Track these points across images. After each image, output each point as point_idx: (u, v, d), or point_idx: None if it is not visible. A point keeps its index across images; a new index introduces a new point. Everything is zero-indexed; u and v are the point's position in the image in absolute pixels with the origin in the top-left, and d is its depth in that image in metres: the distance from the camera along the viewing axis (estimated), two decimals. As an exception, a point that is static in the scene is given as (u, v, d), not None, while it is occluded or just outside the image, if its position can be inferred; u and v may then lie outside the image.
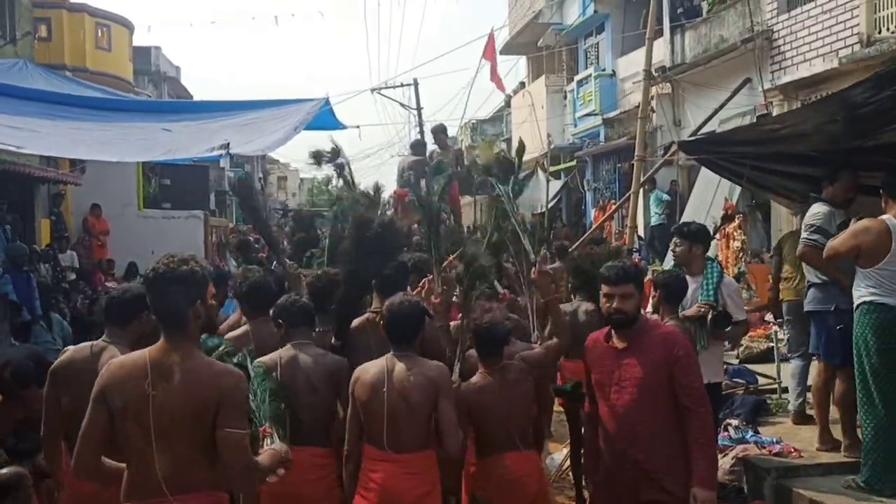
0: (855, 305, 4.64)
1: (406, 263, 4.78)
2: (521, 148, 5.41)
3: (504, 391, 3.90)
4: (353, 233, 4.80)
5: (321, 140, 6.31)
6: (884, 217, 4.58)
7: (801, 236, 5.36)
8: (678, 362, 3.48)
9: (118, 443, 2.74)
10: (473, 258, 4.41)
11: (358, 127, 16.78)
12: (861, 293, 4.58)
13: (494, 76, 17.91)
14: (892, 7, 9.97)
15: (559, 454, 6.41)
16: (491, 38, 17.54)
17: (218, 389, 2.72)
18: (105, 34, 18.42)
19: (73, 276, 13.81)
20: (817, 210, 5.32)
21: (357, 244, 4.69)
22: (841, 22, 10.77)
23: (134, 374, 2.74)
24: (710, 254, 5.36)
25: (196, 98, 26.04)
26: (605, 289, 3.63)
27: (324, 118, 11.76)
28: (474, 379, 3.99)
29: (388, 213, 5.98)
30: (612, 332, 3.66)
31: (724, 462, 5.26)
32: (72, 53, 17.64)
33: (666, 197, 14.81)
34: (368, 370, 3.69)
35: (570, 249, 8.59)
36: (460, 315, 4.50)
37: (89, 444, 2.75)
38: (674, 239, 5.25)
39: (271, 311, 4.15)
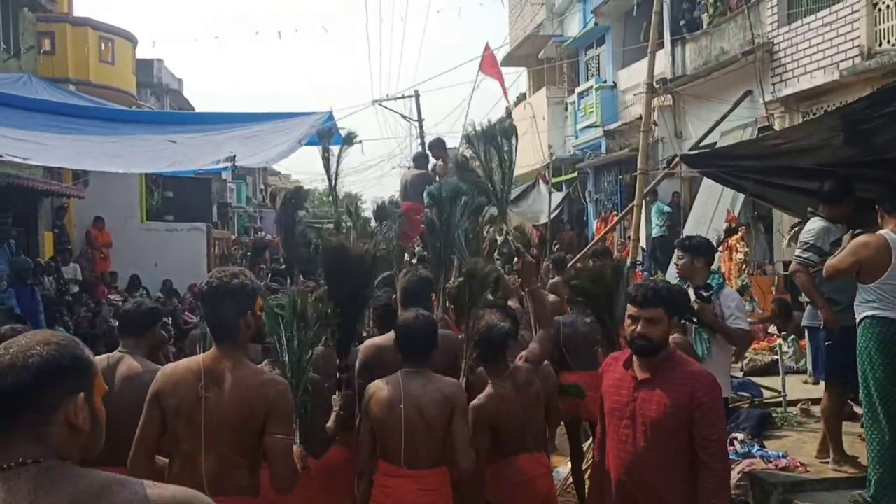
0: (858, 321, 4.63)
1: (429, 279, 4.68)
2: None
3: (519, 396, 3.99)
4: (325, 265, 4.63)
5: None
6: (882, 232, 4.57)
7: (795, 253, 5.39)
8: (701, 408, 3.11)
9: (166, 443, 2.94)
10: (472, 274, 4.39)
11: (360, 142, 16.80)
12: (863, 308, 4.57)
13: (503, 90, 17.80)
14: (892, 20, 10.02)
15: (563, 468, 6.41)
16: (488, 52, 17.54)
17: (266, 398, 2.88)
18: (108, 48, 18.51)
19: (76, 289, 13.86)
20: (811, 226, 5.32)
21: (328, 276, 4.53)
22: (842, 34, 10.82)
23: (188, 378, 2.93)
24: (713, 266, 5.36)
25: (198, 110, 26.14)
26: (630, 310, 3.30)
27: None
28: (488, 391, 4.02)
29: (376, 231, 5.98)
30: (633, 358, 3.32)
31: (731, 476, 5.26)
32: (75, 67, 17.73)
33: (667, 209, 14.83)
34: (383, 387, 3.68)
35: (570, 262, 8.60)
36: (461, 330, 4.48)
37: (144, 445, 2.94)
38: (676, 252, 5.26)
39: None
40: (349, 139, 6.34)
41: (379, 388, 3.70)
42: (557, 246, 15.99)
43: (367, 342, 4.41)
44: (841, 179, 5.45)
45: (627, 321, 3.30)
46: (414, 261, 6.71)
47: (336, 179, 6.23)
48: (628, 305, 3.33)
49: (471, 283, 4.37)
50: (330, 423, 3.78)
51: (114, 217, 16.41)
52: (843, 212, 5.31)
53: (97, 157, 9.69)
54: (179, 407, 2.89)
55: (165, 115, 17.30)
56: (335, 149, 6.37)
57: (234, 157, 9.46)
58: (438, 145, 10.37)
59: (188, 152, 10.29)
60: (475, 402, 3.98)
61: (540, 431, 4.14)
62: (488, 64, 16.88)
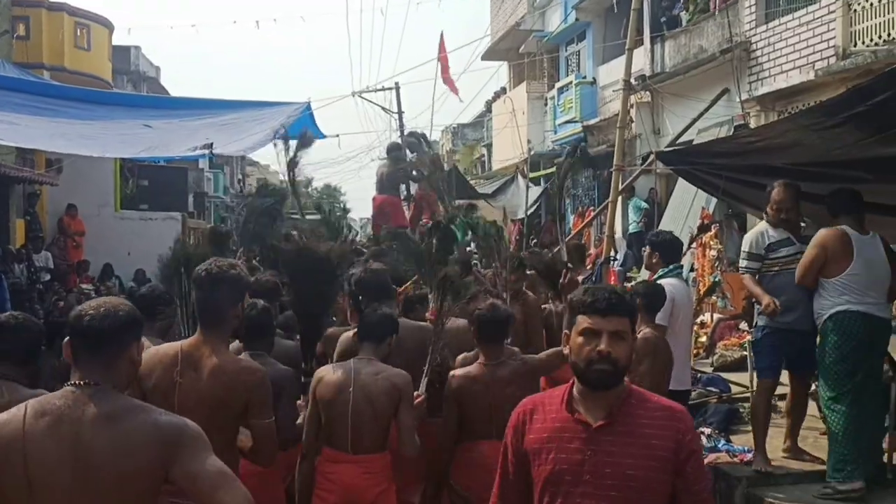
0: (826, 316, 4.77)
1: (385, 272, 4.74)
2: None
3: (494, 386, 3.93)
4: (289, 268, 4.65)
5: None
6: (838, 226, 4.82)
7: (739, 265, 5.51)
8: (691, 458, 2.32)
9: None
10: (448, 278, 4.43)
11: (337, 136, 16.79)
12: (830, 305, 4.75)
13: (446, 77, 18.07)
14: (867, 21, 10.13)
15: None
16: (441, 40, 17.71)
17: (245, 385, 3.05)
18: (84, 34, 18.26)
19: (47, 277, 13.70)
20: (748, 235, 5.40)
21: (293, 279, 4.54)
22: (818, 35, 10.93)
23: (165, 363, 3.06)
24: (685, 263, 5.51)
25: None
26: (584, 322, 2.34)
27: (304, 124, 11.73)
28: (468, 368, 4.06)
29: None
30: (579, 395, 2.36)
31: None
32: (50, 53, 17.47)
33: (644, 205, 14.92)
34: (334, 371, 3.75)
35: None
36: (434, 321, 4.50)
37: None
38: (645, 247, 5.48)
39: None
40: (308, 141, 6.33)
41: (329, 372, 3.76)
42: (535, 241, 16.04)
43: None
44: (810, 172, 5.57)
45: (577, 339, 2.34)
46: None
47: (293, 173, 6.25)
48: (578, 318, 2.36)
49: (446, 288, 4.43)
50: (299, 421, 3.85)
51: (87, 205, 16.22)
52: (772, 208, 5.19)
53: (71, 139, 9.57)
54: (156, 388, 3.01)
55: (141, 98, 17.05)
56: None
57: (212, 144, 9.39)
58: (415, 138, 10.34)
59: (164, 138, 10.19)
60: (452, 371, 4.08)
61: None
62: (444, 60, 17.08)
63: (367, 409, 3.65)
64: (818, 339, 4.91)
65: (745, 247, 5.30)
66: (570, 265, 5.01)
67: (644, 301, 4.77)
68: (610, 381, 2.31)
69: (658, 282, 5.22)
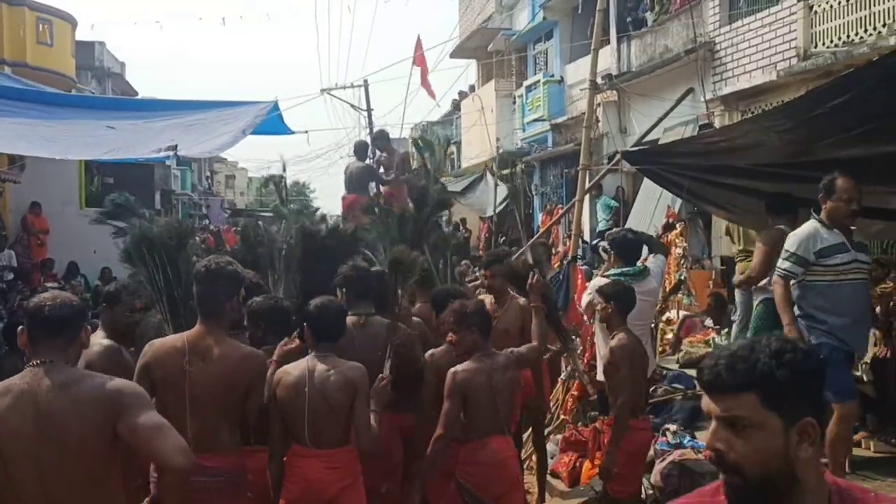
0: (758, 301, 5.72)
1: (366, 269, 4.81)
2: None
3: (495, 375, 4.10)
4: (301, 244, 4.89)
5: (269, 144, 6.38)
6: (778, 226, 5.48)
7: (777, 264, 4.81)
8: None
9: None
10: (398, 261, 4.52)
11: (306, 132, 16.72)
12: (761, 293, 5.62)
13: (424, 82, 18.11)
14: (828, 23, 10.31)
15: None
16: (419, 43, 17.69)
17: (248, 370, 3.44)
18: (46, 29, 17.91)
19: (11, 276, 13.51)
20: (797, 234, 4.71)
21: (306, 255, 4.80)
22: (780, 36, 11.10)
23: (173, 354, 3.37)
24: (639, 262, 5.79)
25: (142, 95, 25.57)
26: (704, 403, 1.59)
27: (272, 122, 11.68)
28: (469, 362, 4.12)
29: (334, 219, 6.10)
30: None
31: (661, 466, 5.41)
32: (11, 48, 17.12)
33: (613, 203, 15.05)
34: (290, 372, 3.81)
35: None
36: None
37: None
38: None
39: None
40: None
41: (287, 372, 3.82)
42: (504, 239, 16.12)
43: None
44: (774, 172, 5.78)
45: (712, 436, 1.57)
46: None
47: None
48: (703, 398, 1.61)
49: (397, 270, 4.49)
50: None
51: (51, 203, 15.98)
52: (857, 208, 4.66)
53: (32, 141, 9.42)
54: (165, 379, 3.34)
55: (104, 101, 16.85)
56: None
57: (176, 146, 9.31)
58: (382, 137, 10.36)
59: (127, 139, 10.08)
60: (453, 368, 4.10)
61: (511, 417, 4.29)
62: (421, 56, 17.07)
63: (323, 405, 3.71)
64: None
65: (791, 247, 4.63)
66: (535, 265, 5.08)
67: (618, 305, 4.86)
68: (749, 499, 1.52)
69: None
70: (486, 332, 4.20)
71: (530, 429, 6.17)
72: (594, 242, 11.71)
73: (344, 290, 4.58)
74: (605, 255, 5.80)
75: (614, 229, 9.78)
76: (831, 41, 10.25)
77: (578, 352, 6.95)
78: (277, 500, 3.78)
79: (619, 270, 5.71)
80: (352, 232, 5.49)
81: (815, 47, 10.43)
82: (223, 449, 3.35)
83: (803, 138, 5.21)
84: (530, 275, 4.80)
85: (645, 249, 6.11)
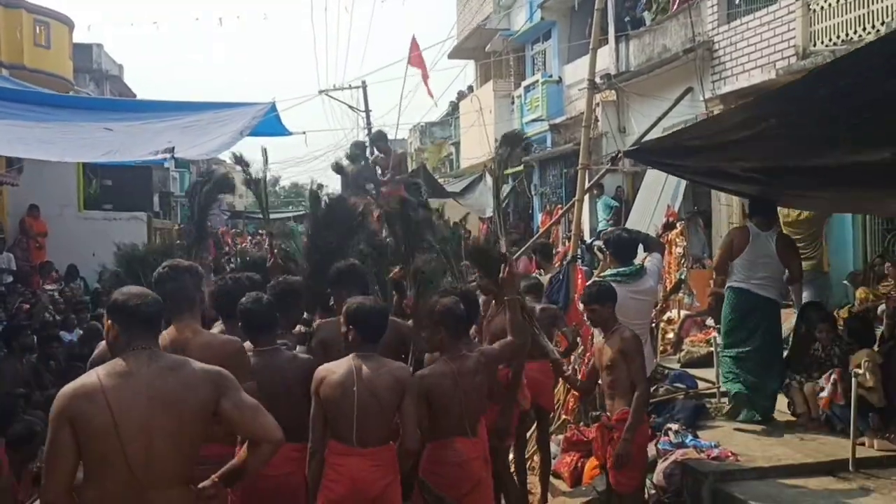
0: (725, 288, 6.33)
1: (357, 265, 4.89)
2: None
3: (462, 378, 4.11)
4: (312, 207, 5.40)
5: (266, 145, 6.36)
6: (745, 223, 6.31)
7: None
8: None
9: None
10: (419, 270, 4.55)
11: (304, 133, 16.69)
12: (729, 280, 6.28)
13: (425, 79, 18.04)
14: (826, 21, 10.31)
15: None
16: (414, 44, 17.61)
17: (227, 354, 3.55)
18: (43, 31, 17.88)
19: (10, 279, 13.47)
20: None
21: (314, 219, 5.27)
22: (778, 34, 11.09)
23: None
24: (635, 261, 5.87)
25: (139, 97, 25.53)
26: None
27: (270, 123, 11.64)
28: (434, 365, 4.19)
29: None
30: None
31: (664, 466, 5.38)
32: (8, 51, 17.09)
33: (614, 203, 15.02)
34: (335, 370, 3.82)
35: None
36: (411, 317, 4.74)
37: None
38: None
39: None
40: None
41: (330, 371, 3.83)
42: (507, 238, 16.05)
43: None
44: (772, 179, 5.75)
45: None
46: None
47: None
48: None
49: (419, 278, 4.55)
50: None
51: (49, 205, 15.92)
52: None
53: (29, 144, 9.35)
54: None
55: (101, 102, 16.79)
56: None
57: (174, 148, 9.25)
58: (380, 138, 10.33)
59: (125, 141, 10.01)
60: (420, 371, 4.18)
61: (478, 419, 4.25)
62: (418, 57, 17.01)
63: (373, 404, 3.74)
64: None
65: None
66: (509, 254, 4.92)
67: (602, 304, 4.91)
68: None
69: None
70: (456, 332, 4.20)
71: (534, 426, 6.15)
72: (589, 242, 11.67)
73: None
74: (600, 255, 5.79)
75: (609, 229, 9.77)
76: (830, 39, 10.24)
77: (579, 351, 6.92)
78: (315, 498, 3.79)
79: (614, 271, 5.70)
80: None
81: (814, 46, 10.43)
82: (215, 439, 3.27)
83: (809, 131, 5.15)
84: (502, 267, 4.71)
85: (641, 248, 6.12)
